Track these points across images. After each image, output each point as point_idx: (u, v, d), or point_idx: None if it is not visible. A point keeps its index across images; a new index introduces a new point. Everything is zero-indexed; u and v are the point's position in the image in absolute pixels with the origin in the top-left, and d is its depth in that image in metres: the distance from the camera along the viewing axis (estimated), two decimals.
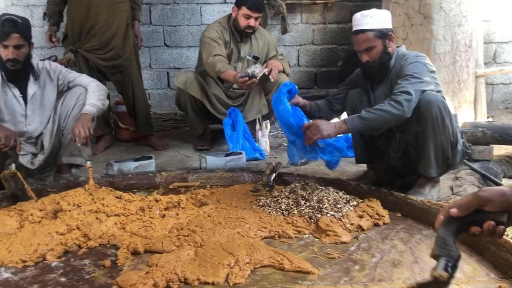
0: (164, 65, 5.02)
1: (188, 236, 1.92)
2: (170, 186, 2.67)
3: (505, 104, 5.02)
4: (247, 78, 3.25)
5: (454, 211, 0.99)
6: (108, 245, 1.92)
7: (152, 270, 1.63)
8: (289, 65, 3.83)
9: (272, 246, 1.86)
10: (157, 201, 2.28)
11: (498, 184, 2.82)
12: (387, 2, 3.88)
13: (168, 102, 5.03)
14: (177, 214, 2.18)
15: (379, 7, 3.35)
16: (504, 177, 3.14)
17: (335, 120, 2.55)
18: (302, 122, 2.36)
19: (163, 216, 2.17)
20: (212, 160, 2.87)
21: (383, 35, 2.40)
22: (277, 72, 3.49)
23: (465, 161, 2.84)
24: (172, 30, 4.96)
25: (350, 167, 3.06)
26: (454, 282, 1.57)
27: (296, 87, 2.55)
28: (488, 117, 4.18)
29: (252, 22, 3.51)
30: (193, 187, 2.65)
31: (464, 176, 2.76)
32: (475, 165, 2.91)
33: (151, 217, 2.14)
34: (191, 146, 3.72)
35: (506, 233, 0.94)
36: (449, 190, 2.58)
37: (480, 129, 3.09)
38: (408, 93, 2.22)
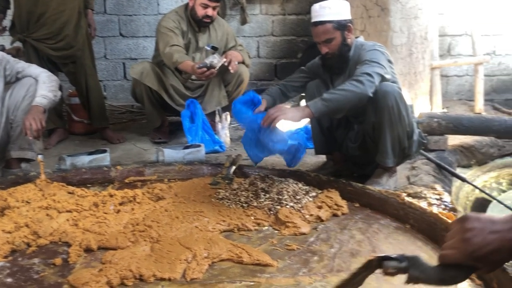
0: (119, 56, 4.87)
1: (144, 231, 1.86)
2: (126, 181, 2.59)
3: (459, 95, 5.17)
4: (205, 69, 3.18)
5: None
6: (59, 243, 1.84)
7: (106, 267, 1.57)
8: (249, 56, 3.79)
9: (231, 240, 1.83)
10: (111, 196, 2.21)
11: (453, 173, 2.89)
12: None
13: (124, 94, 4.88)
14: (133, 209, 2.12)
15: None
16: (458, 166, 3.23)
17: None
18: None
19: (118, 211, 2.10)
20: (170, 153, 2.80)
21: (342, 26, 2.39)
22: (236, 63, 3.45)
23: (421, 151, 2.89)
24: (127, 20, 4.82)
25: (309, 158, 3.06)
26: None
27: (260, 98, 2.42)
28: (443, 108, 4.29)
29: (210, 11, 3.44)
30: (150, 181, 2.58)
31: (420, 166, 2.81)
32: (431, 155, 2.97)
33: (105, 213, 2.06)
34: (148, 139, 3.62)
35: None
36: (406, 180, 2.62)
37: (435, 119, 3.15)
38: (369, 74, 2.21)
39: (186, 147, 2.92)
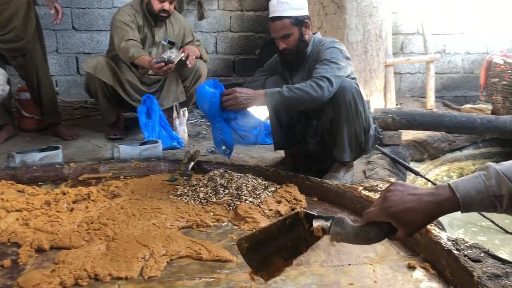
0: (72, 50, 4.70)
1: (99, 229, 1.81)
2: (80, 178, 2.51)
3: (412, 92, 5.33)
4: (163, 64, 3.13)
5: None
6: (9, 243, 1.75)
7: (59, 267, 1.51)
8: (206, 52, 3.76)
9: (189, 236, 1.80)
10: (64, 194, 2.13)
11: (407, 167, 2.98)
12: None
13: (77, 89, 4.72)
14: (87, 207, 2.05)
15: None
16: (411, 160, 3.33)
17: None
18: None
19: (72, 209, 2.02)
20: (126, 150, 2.73)
21: (300, 22, 2.40)
22: (194, 57, 3.40)
23: (377, 146, 2.96)
24: (81, 13, 4.65)
25: (268, 154, 3.07)
26: (368, 262, 1.62)
27: (222, 86, 2.42)
28: (396, 104, 4.42)
29: (166, 5, 3.38)
30: (105, 178, 2.51)
31: (376, 160, 2.88)
32: (386, 150, 3.05)
33: (58, 211, 1.98)
34: (103, 135, 3.52)
35: None
36: (362, 174, 2.67)
37: (390, 115, 3.24)
38: (329, 79, 2.24)
39: (143, 143, 2.86)
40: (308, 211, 1.05)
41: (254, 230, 1.85)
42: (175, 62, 3.18)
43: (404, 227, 0.94)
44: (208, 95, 2.27)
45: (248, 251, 1.10)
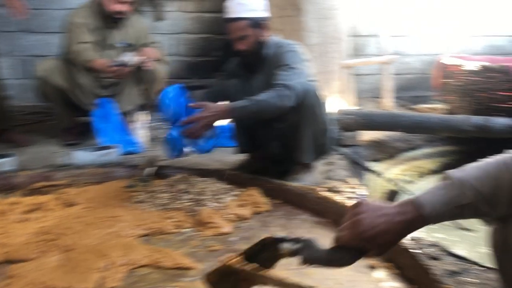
0: (24, 53, 4.52)
1: (54, 240, 1.73)
2: (33, 186, 2.40)
3: (370, 93, 5.43)
4: (120, 67, 3.05)
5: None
6: None
7: (13, 281, 1.44)
8: (165, 54, 3.69)
9: (150, 244, 1.75)
10: (16, 203, 2.03)
11: (366, 168, 3.02)
12: None
13: (30, 93, 4.53)
14: (42, 217, 1.96)
15: None
16: (371, 160, 3.39)
17: None
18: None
19: (24, 220, 1.93)
20: (82, 156, 2.64)
21: (256, 24, 2.39)
22: (152, 60, 3.33)
23: (337, 146, 2.99)
24: (32, 14, 4.46)
25: (231, 157, 3.04)
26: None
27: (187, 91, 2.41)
28: (356, 105, 4.48)
29: (122, 7, 3.29)
30: (60, 186, 2.41)
31: (336, 161, 2.90)
32: (346, 150, 3.08)
33: (10, 222, 1.89)
34: (58, 141, 3.39)
35: None
36: (323, 175, 2.68)
37: (349, 116, 3.28)
38: (292, 88, 2.24)
39: (99, 149, 2.77)
40: (275, 236, 1.03)
41: (216, 235, 1.84)
42: (133, 65, 3.11)
43: (377, 248, 0.94)
44: (173, 97, 2.25)
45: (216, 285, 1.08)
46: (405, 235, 0.95)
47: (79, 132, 3.45)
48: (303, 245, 0.99)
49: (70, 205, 2.10)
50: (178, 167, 2.61)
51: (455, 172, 0.96)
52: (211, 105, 2.24)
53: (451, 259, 1.55)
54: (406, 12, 5.37)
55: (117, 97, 3.42)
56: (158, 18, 4.66)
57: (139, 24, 3.56)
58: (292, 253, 0.99)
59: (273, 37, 2.53)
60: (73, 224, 1.86)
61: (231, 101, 2.52)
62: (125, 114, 3.34)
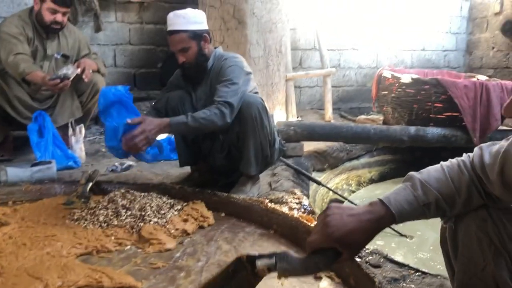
0: None
1: None
2: None
3: (311, 105, 5.57)
4: (58, 81, 2.93)
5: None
6: None
7: None
8: (104, 65, 3.59)
9: (89, 264, 1.67)
10: None
11: (309, 178, 3.07)
12: (203, 5, 3.93)
13: None
14: None
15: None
16: (313, 170, 3.45)
17: None
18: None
19: None
20: (14, 172, 2.49)
21: (197, 36, 2.40)
22: (91, 71, 3.22)
23: (281, 157, 3.02)
24: None
25: (174, 170, 2.99)
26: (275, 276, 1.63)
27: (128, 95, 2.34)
28: (297, 117, 4.57)
29: (59, 17, 3.17)
30: None
31: (280, 172, 2.93)
32: (289, 161, 3.12)
33: None
34: None
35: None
36: (268, 186, 2.70)
37: (292, 127, 3.33)
38: (231, 105, 2.28)
39: (34, 164, 2.63)
40: (249, 253, 1.01)
41: (160, 251, 1.79)
42: (71, 78, 2.99)
43: (348, 248, 0.95)
44: (117, 95, 2.22)
45: None
46: (374, 233, 0.97)
47: (12, 147, 3.27)
48: (278, 258, 0.98)
49: (1, 225, 1.97)
50: (119, 182, 2.53)
51: (417, 174, 1.01)
52: (149, 120, 2.22)
53: (391, 266, 1.60)
54: (345, 27, 5.56)
55: (53, 110, 3.27)
56: (98, 29, 4.53)
57: (77, 34, 3.45)
58: (269, 268, 0.98)
59: (217, 50, 2.54)
60: (4, 246, 1.74)
61: (175, 113, 2.51)
62: (62, 127, 3.19)
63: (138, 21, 4.77)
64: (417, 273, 1.54)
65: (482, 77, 4.47)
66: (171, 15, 2.39)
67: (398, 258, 1.93)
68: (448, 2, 6.08)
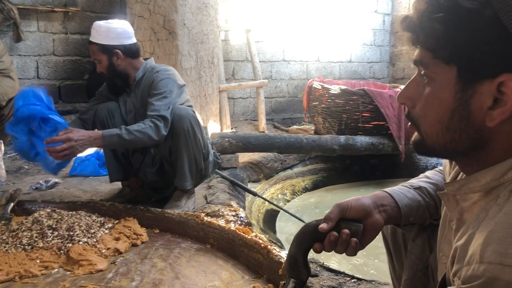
0: None
1: None
2: None
3: (245, 116, 5.59)
4: None
5: (323, 226, 0.93)
6: None
7: None
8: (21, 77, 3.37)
9: None
10: None
11: (245, 189, 3.07)
12: (132, 15, 3.83)
13: None
14: None
15: (124, 19, 3.24)
16: (249, 181, 3.45)
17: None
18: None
19: None
20: None
21: (107, 51, 2.37)
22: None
23: (216, 170, 2.99)
24: None
25: (103, 186, 2.87)
26: None
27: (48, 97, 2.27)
28: (232, 128, 4.57)
29: None
30: None
31: (216, 184, 2.90)
32: (225, 173, 3.10)
33: None
34: None
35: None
36: (204, 200, 2.66)
37: (226, 139, 3.32)
38: (165, 118, 2.23)
39: None
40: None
41: (90, 273, 1.70)
42: None
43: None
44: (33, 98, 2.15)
45: None
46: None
47: None
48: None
49: None
50: (44, 201, 2.39)
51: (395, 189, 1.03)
52: (77, 131, 2.12)
53: (328, 274, 1.62)
54: (276, 40, 5.67)
55: None
56: (18, 39, 4.26)
57: None
58: None
59: (148, 61, 2.49)
60: None
61: (104, 125, 2.42)
62: None
63: (62, 31, 4.56)
64: (352, 280, 1.57)
65: None
66: (92, 25, 2.40)
67: (334, 265, 1.97)
68: (372, 17, 6.40)
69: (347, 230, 0.91)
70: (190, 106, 2.46)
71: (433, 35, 0.70)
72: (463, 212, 0.77)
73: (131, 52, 2.41)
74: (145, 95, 2.37)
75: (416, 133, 0.81)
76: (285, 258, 1.03)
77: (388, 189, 1.02)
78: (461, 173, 0.82)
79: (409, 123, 0.81)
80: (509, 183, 0.69)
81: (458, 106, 0.71)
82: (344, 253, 0.93)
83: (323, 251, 0.94)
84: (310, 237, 0.95)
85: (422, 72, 0.75)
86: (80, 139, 2.09)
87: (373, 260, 2.49)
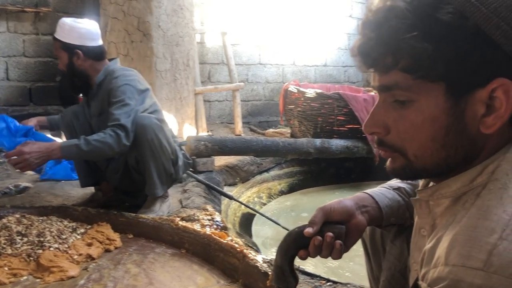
0: None
1: None
2: None
3: (221, 119, 5.57)
4: None
5: (308, 230, 0.91)
6: None
7: None
8: None
9: None
10: None
11: (220, 192, 3.05)
12: (105, 16, 3.76)
13: None
14: None
15: (97, 20, 3.17)
16: (225, 185, 3.43)
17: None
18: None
19: None
20: None
21: (68, 49, 2.33)
22: None
23: (191, 173, 2.96)
24: None
25: (75, 191, 2.80)
26: None
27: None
28: (208, 131, 4.54)
29: None
30: None
31: (191, 188, 2.87)
32: (200, 176, 3.07)
33: None
34: None
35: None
36: (179, 204, 2.63)
37: (202, 142, 3.29)
38: (125, 127, 2.16)
39: None
40: None
41: (61, 280, 1.65)
42: None
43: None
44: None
45: None
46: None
47: None
48: None
49: None
50: (13, 206, 2.31)
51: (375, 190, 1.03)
52: (33, 144, 2.10)
53: (304, 277, 1.62)
54: (252, 43, 5.68)
55: None
56: None
57: None
58: None
59: (111, 63, 2.42)
60: None
61: (70, 128, 2.41)
62: None
63: (33, 31, 4.45)
64: (328, 283, 1.57)
65: None
66: (59, 21, 2.38)
67: (309, 268, 1.97)
68: (346, 21, 6.47)
69: (331, 233, 0.91)
70: (156, 110, 2.41)
71: (413, 56, 0.67)
72: (436, 217, 0.78)
73: (94, 54, 2.35)
74: (105, 101, 2.31)
75: (392, 160, 0.78)
76: (272, 269, 1.02)
77: (368, 191, 1.02)
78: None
79: (382, 152, 0.78)
80: (477, 188, 0.70)
81: (453, 121, 0.69)
82: (330, 257, 0.93)
83: (309, 257, 0.93)
84: (294, 245, 0.93)
85: (395, 96, 0.72)
86: (34, 151, 2.05)
87: (348, 262, 2.51)
